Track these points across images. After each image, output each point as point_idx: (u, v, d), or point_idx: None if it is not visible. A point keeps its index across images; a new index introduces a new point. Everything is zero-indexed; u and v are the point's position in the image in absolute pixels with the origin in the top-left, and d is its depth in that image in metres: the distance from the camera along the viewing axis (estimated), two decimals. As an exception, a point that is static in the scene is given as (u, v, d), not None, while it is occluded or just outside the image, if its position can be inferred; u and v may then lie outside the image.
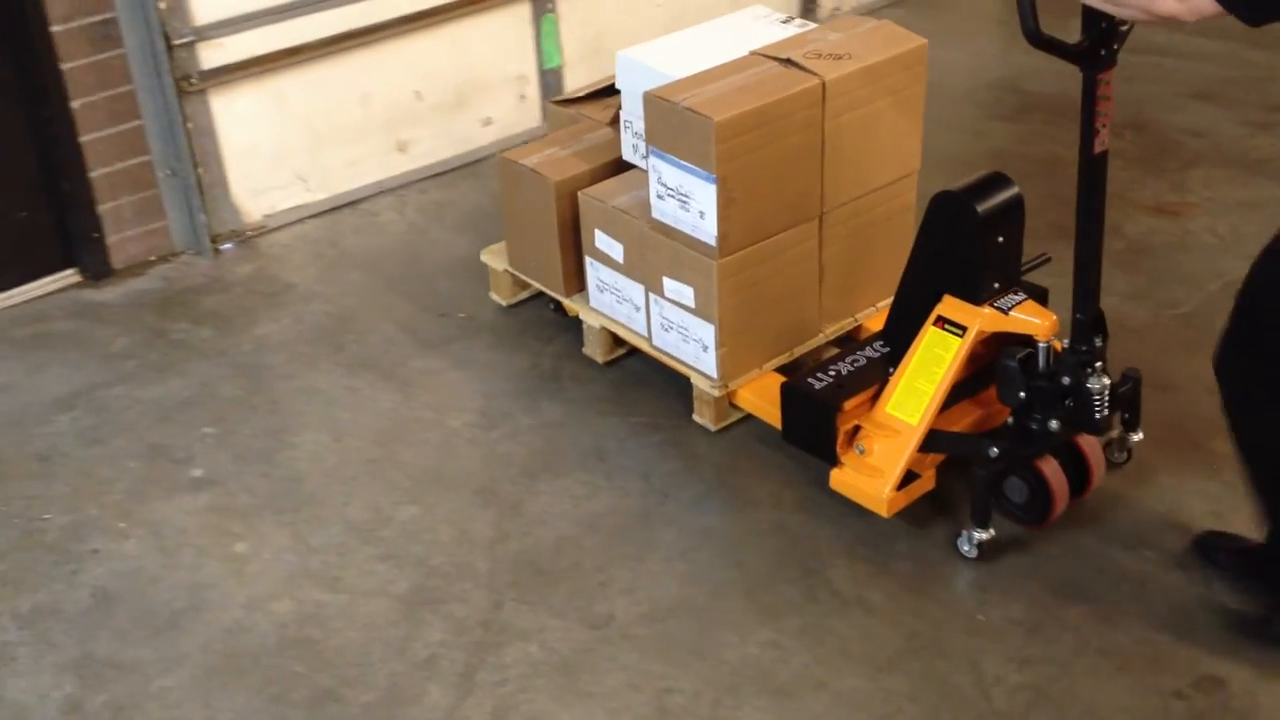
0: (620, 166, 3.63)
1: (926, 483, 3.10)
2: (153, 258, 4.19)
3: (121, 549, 3.10)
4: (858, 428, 3.10)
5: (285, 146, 4.34)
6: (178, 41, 3.95)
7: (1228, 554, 2.93)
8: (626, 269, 3.49)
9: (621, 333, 3.61)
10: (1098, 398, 2.83)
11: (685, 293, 3.34)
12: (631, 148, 3.56)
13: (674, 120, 3.18)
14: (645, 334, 3.54)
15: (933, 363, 2.97)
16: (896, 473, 3.00)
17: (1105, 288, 3.84)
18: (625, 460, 3.33)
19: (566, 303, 3.73)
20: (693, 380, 3.43)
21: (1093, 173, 2.73)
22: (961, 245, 2.95)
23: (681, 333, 3.41)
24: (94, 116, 3.95)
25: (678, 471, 3.29)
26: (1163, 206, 4.32)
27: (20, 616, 2.93)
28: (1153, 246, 4.12)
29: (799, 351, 3.52)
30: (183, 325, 3.89)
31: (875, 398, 3.10)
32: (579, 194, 3.56)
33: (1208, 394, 3.44)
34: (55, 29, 3.79)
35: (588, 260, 3.61)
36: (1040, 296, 3.11)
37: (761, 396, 3.36)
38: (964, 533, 2.99)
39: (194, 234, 4.21)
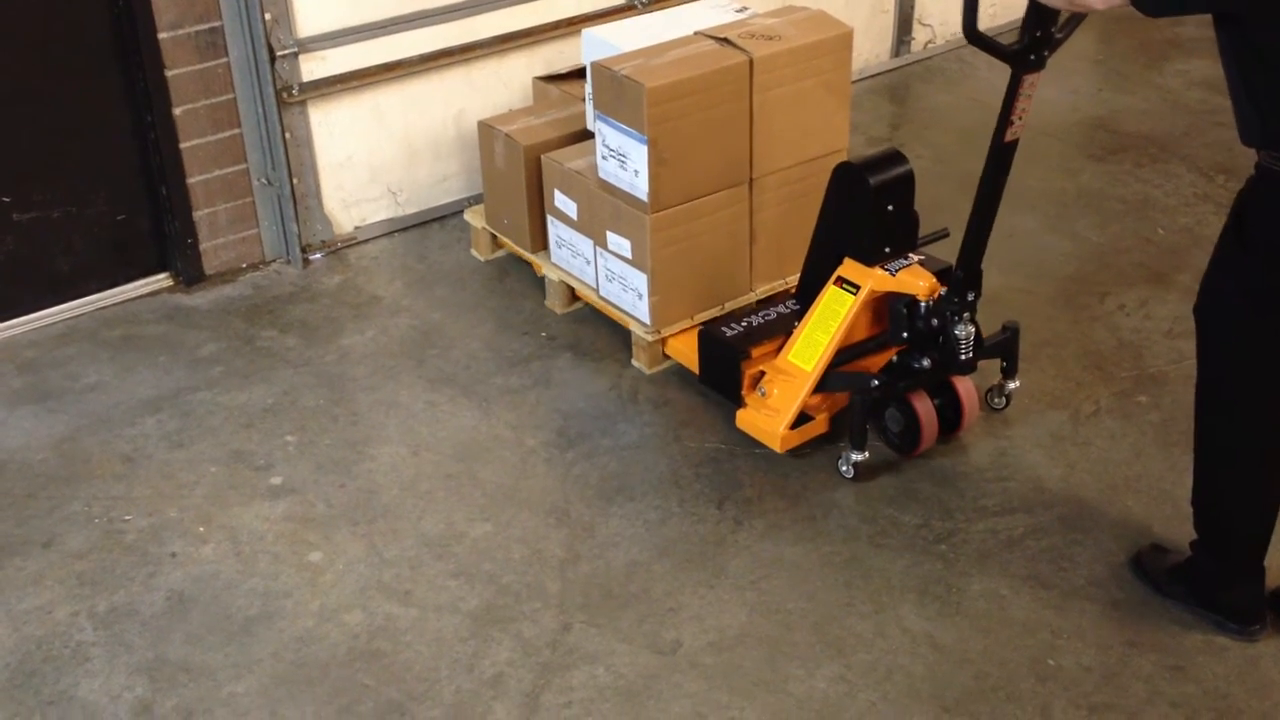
0: (586, 135, 3.96)
1: (819, 425, 3.43)
2: (244, 265, 4.28)
3: (199, 553, 3.15)
4: (763, 373, 3.42)
5: (379, 160, 4.40)
6: (281, 53, 4.03)
7: (1156, 570, 3.01)
8: (579, 225, 3.85)
9: (575, 285, 3.97)
10: (963, 341, 3.22)
11: (624, 245, 3.69)
12: (592, 116, 3.75)
13: (614, 86, 3.54)
14: (594, 285, 3.89)
15: (830, 317, 3.32)
16: (791, 413, 3.34)
17: (1190, 332, 3.75)
18: (700, 486, 3.33)
19: (533, 260, 4.09)
20: (630, 326, 3.78)
21: (1001, 157, 3.07)
22: (857, 212, 3.28)
23: (621, 282, 3.76)
24: (195, 123, 4.04)
25: (752, 499, 3.28)
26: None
27: (97, 617, 2.99)
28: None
29: (730, 306, 3.85)
30: (270, 333, 3.96)
31: (781, 347, 3.44)
32: (542, 157, 3.93)
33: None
34: (163, 36, 3.89)
35: (549, 218, 3.98)
36: (943, 271, 3.37)
37: (690, 346, 3.70)
38: (843, 454, 3.33)
39: (285, 243, 4.29)
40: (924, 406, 3.32)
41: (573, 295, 4.03)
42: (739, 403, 3.46)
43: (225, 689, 2.80)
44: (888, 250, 3.31)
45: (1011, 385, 3.53)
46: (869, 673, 2.80)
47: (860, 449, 3.30)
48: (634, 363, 3.79)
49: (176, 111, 3.99)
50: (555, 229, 3.96)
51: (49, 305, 4.03)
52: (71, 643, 2.91)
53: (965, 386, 3.38)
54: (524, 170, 3.97)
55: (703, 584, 3.03)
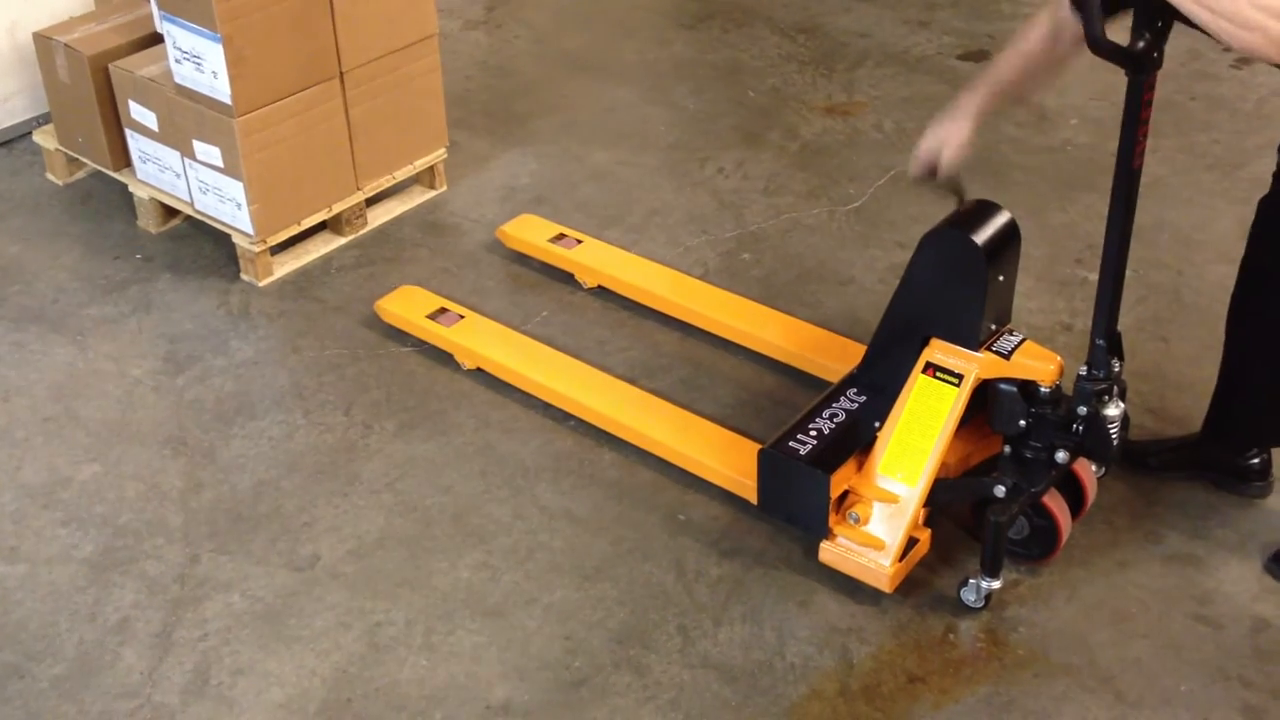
0: (158, 39, 3.70)
1: (923, 546, 2.76)
2: None
3: None
4: (846, 493, 2.76)
5: (-76, 85, 4.00)
6: None
7: (1160, 454, 3.00)
8: (162, 137, 3.65)
9: (168, 200, 3.77)
10: (1113, 425, 2.58)
11: (213, 153, 3.52)
12: (159, 17, 3.59)
13: None
14: (188, 198, 3.71)
15: (927, 416, 2.67)
16: (899, 543, 2.67)
17: (783, 188, 3.95)
18: (325, 395, 3.24)
19: (117, 177, 3.85)
20: (234, 239, 3.62)
21: (1129, 188, 2.48)
22: (959, 286, 2.65)
23: (217, 194, 3.59)
24: None
25: (380, 401, 3.22)
26: (834, 107, 4.46)
27: None
28: (826, 146, 4.24)
29: (338, 208, 3.75)
30: None
31: (863, 456, 2.78)
32: (109, 66, 3.70)
33: (880, 284, 3.60)
34: None
35: (128, 132, 3.76)
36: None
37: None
38: (972, 582, 2.67)
39: None
40: (1059, 506, 2.70)
41: (168, 212, 3.81)
42: (825, 534, 2.74)
43: None
44: (993, 327, 2.69)
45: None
46: (510, 555, 2.82)
47: (996, 575, 2.64)
48: (243, 276, 3.63)
49: None
50: (136, 143, 3.72)
51: None
52: None
53: (1083, 465, 2.77)
54: (91, 82, 3.71)
55: (336, 493, 2.97)
